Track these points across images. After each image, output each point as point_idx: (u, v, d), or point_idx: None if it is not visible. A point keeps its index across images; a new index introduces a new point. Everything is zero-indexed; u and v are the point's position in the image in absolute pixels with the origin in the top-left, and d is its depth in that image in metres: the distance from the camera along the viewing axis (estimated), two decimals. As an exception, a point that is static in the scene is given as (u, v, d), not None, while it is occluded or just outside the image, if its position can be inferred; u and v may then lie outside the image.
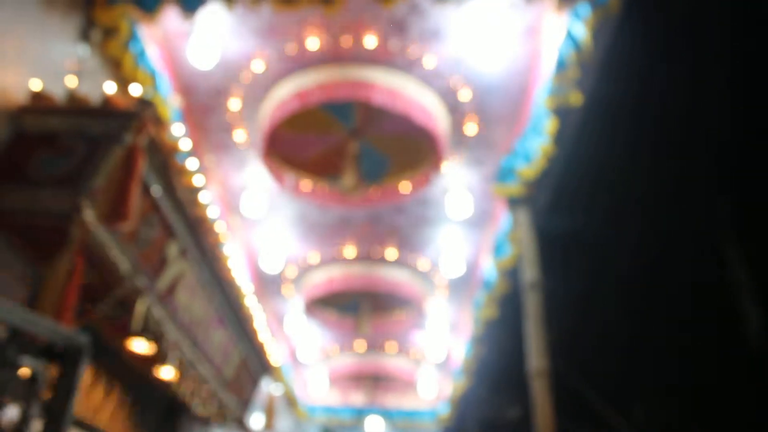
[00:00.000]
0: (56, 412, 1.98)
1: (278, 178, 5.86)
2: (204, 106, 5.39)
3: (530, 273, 5.25)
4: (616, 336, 7.22)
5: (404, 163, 5.90)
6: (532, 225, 5.45)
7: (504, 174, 5.48)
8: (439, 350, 9.41)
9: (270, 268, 7.28)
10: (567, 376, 5.72)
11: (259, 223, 6.76)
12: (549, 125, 4.76)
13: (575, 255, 6.13)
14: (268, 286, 7.99)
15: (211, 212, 5.12)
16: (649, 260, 6.28)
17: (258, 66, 4.98)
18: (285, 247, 7.12)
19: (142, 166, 3.48)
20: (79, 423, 4.67)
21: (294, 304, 8.43)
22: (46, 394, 2.06)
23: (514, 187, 5.37)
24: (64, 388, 2.03)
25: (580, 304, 6.85)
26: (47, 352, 2.10)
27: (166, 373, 4.87)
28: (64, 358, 2.07)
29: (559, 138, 4.86)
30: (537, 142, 4.97)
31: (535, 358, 5.00)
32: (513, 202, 5.54)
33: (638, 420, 8.16)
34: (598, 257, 6.18)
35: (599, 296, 6.81)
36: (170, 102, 4.92)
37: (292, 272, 7.66)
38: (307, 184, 6.02)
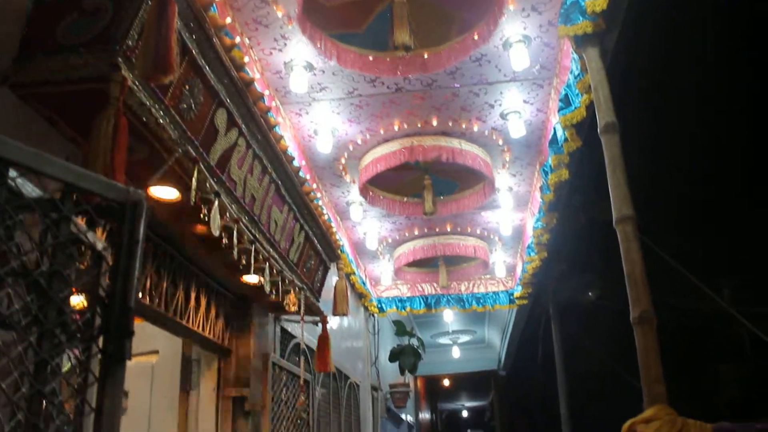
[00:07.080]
0: (122, 270, 1.75)
1: (322, 49, 5.47)
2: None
3: (605, 114, 4.80)
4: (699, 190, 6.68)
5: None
6: (602, 64, 4.96)
7: (568, 12, 4.94)
8: (509, 225, 9.08)
9: (321, 153, 7.00)
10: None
11: (305, 104, 6.42)
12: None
13: (653, 96, 5.56)
14: (321, 173, 7.73)
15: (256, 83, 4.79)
16: (737, 99, 5.65)
17: None
18: (335, 128, 6.79)
19: (176, 17, 3.16)
20: (152, 315, 4.60)
21: (351, 190, 8.18)
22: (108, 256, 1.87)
23: (581, 24, 4.84)
24: (127, 244, 1.79)
25: (658, 151, 6.31)
26: (103, 209, 1.87)
27: (231, 253, 4.55)
28: (123, 214, 1.83)
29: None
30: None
31: (619, 204, 4.61)
32: (580, 43, 5.03)
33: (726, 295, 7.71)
34: (678, 97, 5.59)
35: (679, 143, 6.25)
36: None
37: (344, 155, 7.35)
38: (354, 54, 5.62)
